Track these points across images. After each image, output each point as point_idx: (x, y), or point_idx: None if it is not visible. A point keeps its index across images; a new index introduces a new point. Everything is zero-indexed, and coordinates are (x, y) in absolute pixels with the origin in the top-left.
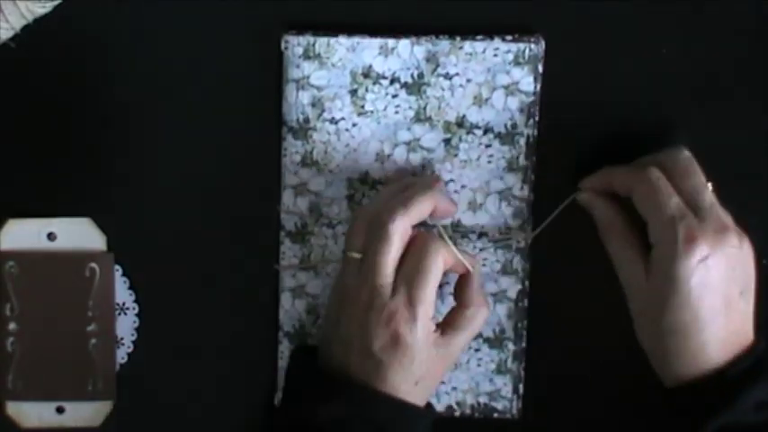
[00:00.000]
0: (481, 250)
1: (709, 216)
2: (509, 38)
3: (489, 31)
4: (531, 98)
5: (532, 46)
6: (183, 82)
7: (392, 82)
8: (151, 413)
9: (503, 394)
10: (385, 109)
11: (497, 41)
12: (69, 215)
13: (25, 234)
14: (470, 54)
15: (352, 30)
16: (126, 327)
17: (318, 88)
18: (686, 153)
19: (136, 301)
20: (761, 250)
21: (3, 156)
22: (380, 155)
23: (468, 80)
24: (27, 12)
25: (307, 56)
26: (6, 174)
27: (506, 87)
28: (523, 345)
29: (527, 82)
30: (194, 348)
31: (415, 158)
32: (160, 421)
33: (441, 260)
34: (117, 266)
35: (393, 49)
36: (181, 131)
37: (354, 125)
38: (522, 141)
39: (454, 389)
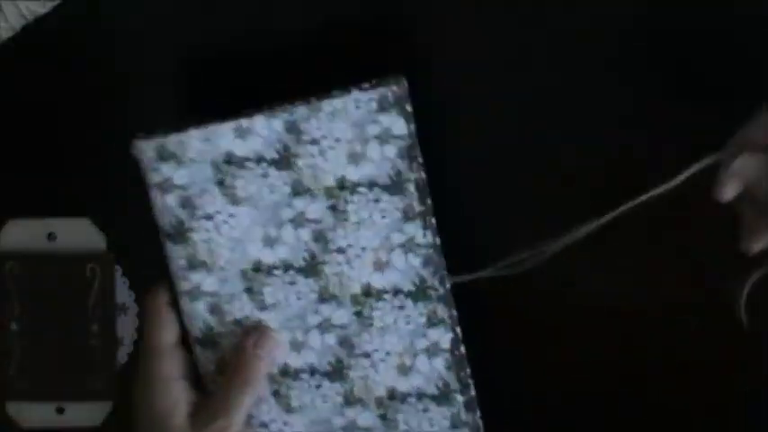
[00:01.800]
0: (401, 308)
1: None
2: (367, 86)
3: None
4: (409, 141)
5: (394, 88)
6: (185, 74)
7: (258, 162)
8: None
9: None
10: (259, 192)
11: (356, 93)
12: (69, 215)
13: (25, 234)
14: (331, 113)
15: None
16: (126, 327)
17: (183, 188)
18: None
19: (136, 301)
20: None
21: (3, 156)
22: (267, 238)
23: (338, 140)
24: (27, 12)
25: (161, 158)
26: (6, 174)
27: (379, 137)
28: (473, 393)
29: (399, 126)
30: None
31: (305, 233)
32: None
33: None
34: (117, 267)
35: (249, 128)
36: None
37: (232, 215)
38: (412, 187)
39: None
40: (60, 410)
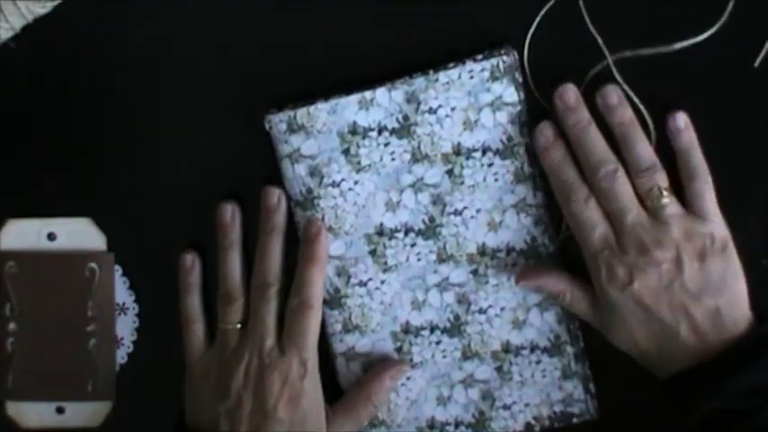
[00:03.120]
0: (513, 266)
1: (629, 241)
2: (480, 57)
3: (461, 56)
4: (519, 107)
5: (505, 58)
6: (183, 75)
7: (380, 132)
8: (151, 413)
9: (575, 397)
10: (381, 159)
11: (470, 64)
12: (69, 215)
13: (25, 234)
14: (447, 83)
15: (328, 93)
16: (126, 327)
17: (312, 157)
18: (643, 154)
19: (136, 301)
20: (761, 250)
21: (3, 156)
22: (389, 203)
23: (453, 108)
24: (27, 12)
25: (292, 129)
26: (6, 174)
27: (491, 104)
28: (581, 344)
29: (509, 93)
30: None
31: (424, 197)
32: (160, 421)
33: (318, 321)
34: (117, 266)
35: (372, 100)
36: (181, 131)
37: (356, 182)
38: (522, 151)
39: (527, 405)
40: (60, 410)
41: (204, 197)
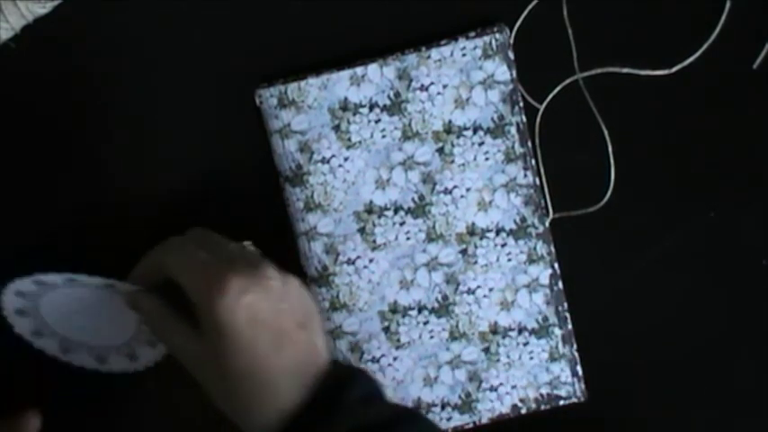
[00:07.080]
0: (503, 246)
1: (237, 258)
2: (472, 34)
3: (454, 33)
4: (510, 86)
5: (497, 36)
6: (180, 74)
7: (371, 108)
8: (151, 413)
9: (563, 380)
10: (372, 136)
11: (462, 41)
12: (69, 215)
13: None
14: (439, 60)
15: (319, 68)
16: None
17: (302, 133)
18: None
19: None
20: (761, 250)
21: (3, 156)
22: (379, 181)
23: (445, 86)
24: (27, 12)
25: (282, 105)
26: (5, 174)
27: (483, 82)
28: (570, 327)
29: (501, 71)
30: None
31: (414, 175)
32: (160, 421)
33: None
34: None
35: (363, 76)
36: (181, 130)
37: (346, 159)
38: (513, 130)
39: (514, 387)
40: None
41: (205, 197)
